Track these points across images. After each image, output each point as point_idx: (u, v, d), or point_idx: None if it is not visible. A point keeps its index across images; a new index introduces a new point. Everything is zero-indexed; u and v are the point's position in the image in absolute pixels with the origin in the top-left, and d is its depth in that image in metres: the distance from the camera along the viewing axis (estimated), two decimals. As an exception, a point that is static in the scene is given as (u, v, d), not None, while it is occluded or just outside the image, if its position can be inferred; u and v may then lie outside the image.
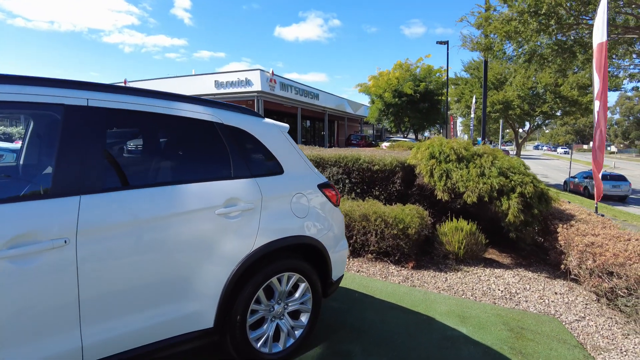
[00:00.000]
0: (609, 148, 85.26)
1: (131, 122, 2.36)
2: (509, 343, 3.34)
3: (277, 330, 2.84)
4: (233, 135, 2.65)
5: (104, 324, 2.03)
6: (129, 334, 2.13)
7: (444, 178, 5.62)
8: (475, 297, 4.36)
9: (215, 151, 2.58)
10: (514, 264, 5.62)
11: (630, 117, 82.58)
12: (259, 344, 2.71)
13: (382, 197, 6.28)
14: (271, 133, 2.90)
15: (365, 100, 40.70)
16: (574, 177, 22.71)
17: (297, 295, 2.90)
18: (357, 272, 4.94)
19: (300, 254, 2.99)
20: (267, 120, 2.98)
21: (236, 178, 2.57)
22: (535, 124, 28.81)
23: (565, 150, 71.87)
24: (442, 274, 5.02)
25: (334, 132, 40.73)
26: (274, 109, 26.54)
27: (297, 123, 27.62)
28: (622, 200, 20.91)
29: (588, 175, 21.39)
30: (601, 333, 3.63)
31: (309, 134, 35.65)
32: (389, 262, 5.22)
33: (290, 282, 2.82)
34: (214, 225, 2.39)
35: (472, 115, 27.28)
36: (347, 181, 6.38)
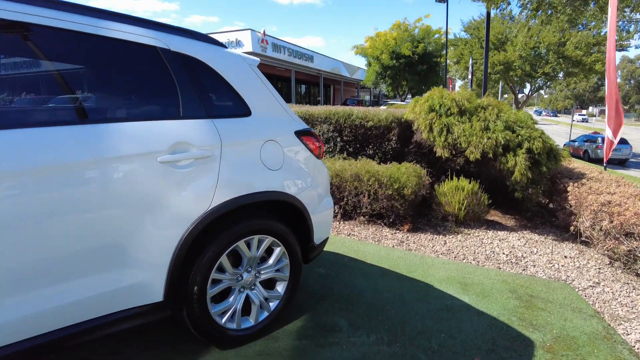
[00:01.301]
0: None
1: (39, 41, 1.80)
2: (517, 313, 2.93)
3: (248, 302, 2.40)
4: (184, 65, 2.10)
5: (9, 299, 1.57)
6: (47, 312, 1.67)
7: (445, 133, 5.10)
8: (478, 261, 3.94)
9: (158, 84, 2.04)
10: (518, 226, 5.20)
11: (631, 81, 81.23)
12: (223, 319, 2.27)
13: (377, 156, 5.78)
14: (236, 66, 2.35)
15: (362, 63, 39.34)
16: (573, 141, 22.19)
17: (270, 261, 2.44)
18: (348, 235, 4.50)
19: (275, 214, 2.51)
20: (230, 50, 2.42)
21: (187, 118, 2.05)
22: (536, 86, 27.99)
23: (584, 117, 64.68)
24: (441, 236, 4.59)
25: (329, 97, 39.72)
26: (266, 71, 25.53)
27: (290, 87, 26.71)
28: (622, 163, 20.50)
29: (589, 139, 20.87)
30: (619, 300, 3.23)
31: (304, 99, 34.68)
32: (382, 224, 4.78)
33: (262, 246, 2.35)
34: (156, 177, 1.89)
35: (470, 77, 26.40)
36: (338, 139, 5.86)
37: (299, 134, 2.52)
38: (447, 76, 30.93)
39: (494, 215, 5.53)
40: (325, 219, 2.76)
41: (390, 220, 4.72)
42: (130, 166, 1.82)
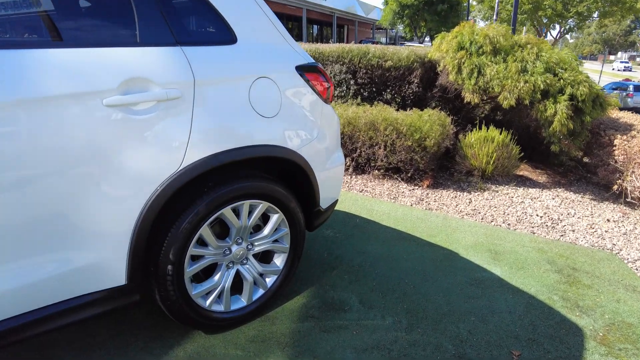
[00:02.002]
0: (638, 59, 79.66)
1: None
2: (559, 291, 2.48)
3: (240, 278, 1.98)
4: (142, -32, 1.52)
5: None
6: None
7: (475, 75, 4.43)
8: (509, 224, 3.46)
9: (104, -5, 1.48)
10: (551, 182, 4.66)
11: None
12: (208, 301, 1.86)
13: (395, 101, 5.15)
14: (217, -26, 1.75)
15: (378, 1, 36.98)
16: (602, 89, 20.83)
17: (266, 231, 1.98)
18: (361, 191, 4.02)
19: (271, 173, 2.02)
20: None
21: (146, 45, 1.50)
22: (566, 28, 25.99)
23: (627, 66, 57.21)
24: (465, 194, 4.09)
25: (343, 38, 37.81)
26: (276, 10, 24.02)
27: (302, 27, 25.24)
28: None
29: (619, 86, 19.55)
30: (678, 275, 2.75)
31: (316, 40, 33.00)
32: (399, 179, 4.28)
33: (255, 213, 1.88)
34: (102, 126, 1.39)
35: (495, 18, 24.55)
36: (351, 82, 5.22)
37: (303, 69, 1.96)
38: (469, 17, 28.95)
39: (523, 170, 4.98)
40: (334, 179, 2.27)
41: (409, 175, 4.21)
42: (64, 111, 1.31)
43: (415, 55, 5.13)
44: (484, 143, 4.40)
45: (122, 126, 1.42)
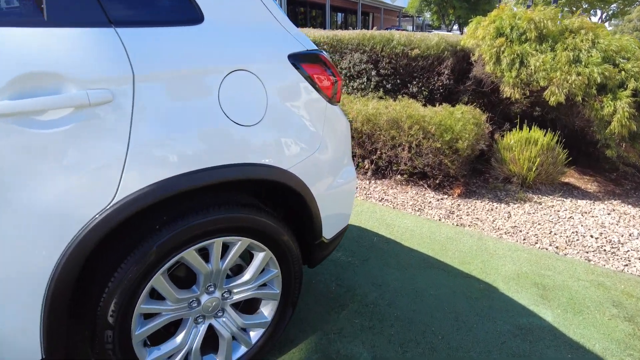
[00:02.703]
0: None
1: None
2: (635, 350, 1.92)
3: (214, 334, 1.51)
4: None
5: None
6: None
7: (517, 66, 3.81)
8: (557, 247, 2.88)
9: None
10: (603, 192, 4.01)
11: None
12: (167, 370, 1.40)
13: (422, 95, 4.58)
14: None
15: (405, -12, 35.86)
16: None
17: (248, 275, 1.50)
18: (380, 200, 3.50)
19: (257, 195, 1.53)
20: None
21: (57, 25, 1.02)
22: (608, 13, 24.36)
23: None
24: (503, 205, 3.51)
25: (368, 26, 36.76)
26: (300, -4, 23.42)
27: (325, 15, 24.51)
28: None
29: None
30: None
31: (340, 29, 32.19)
32: (425, 186, 3.73)
33: (231, 253, 1.41)
34: (-20, 144, 0.93)
35: (530, 3, 23.19)
36: (373, 73, 4.66)
37: (299, 59, 1.45)
38: (502, 1, 27.58)
39: (569, 176, 4.34)
40: (343, 200, 1.76)
41: (437, 181, 3.66)
42: None
43: (446, 42, 4.52)
44: (525, 146, 3.79)
45: (18, 145, 0.95)
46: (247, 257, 1.54)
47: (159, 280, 1.27)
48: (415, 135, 3.59)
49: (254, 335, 1.61)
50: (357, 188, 2.33)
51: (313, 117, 1.53)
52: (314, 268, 2.15)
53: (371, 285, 2.26)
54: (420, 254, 2.65)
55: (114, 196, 1.08)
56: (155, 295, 1.31)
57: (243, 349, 1.59)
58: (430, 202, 3.48)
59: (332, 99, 1.59)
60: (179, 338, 1.41)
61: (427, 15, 29.97)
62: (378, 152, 3.81)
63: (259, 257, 1.49)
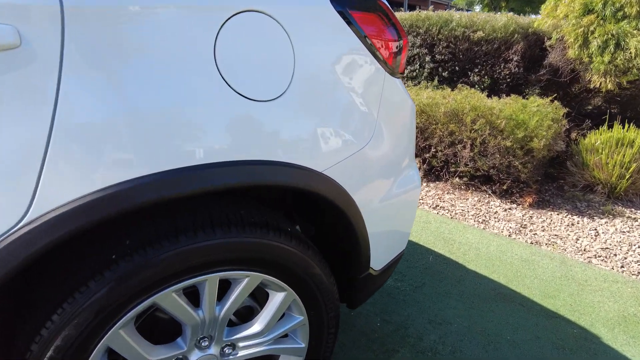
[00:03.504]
0: None
1: None
2: None
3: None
4: None
5: None
6: None
7: (611, 49, 3.12)
8: (670, 280, 2.22)
9: None
10: None
11: None
12: None
13: (483, 85, 3.95)
14: None
15: (456, -21, 34.35)
16: None
17: (259, 323, 1.02)
18: (434, 208, 2.94)
19: (271, 208, 1.06)
20: None
21: None
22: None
23: None
24: (586, 220, 2.85)
25: (415, 19, 35.48)
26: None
27: (372, 6, 23.69)
28: None
29: None
30: None
31: (387, 21, 31.14)
32: (489, 192, 3.13)
33: (235, 295, 0.94)
34: None
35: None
36: (427, 59, 4.07)
37: (347, 4, 0.94)
38: (563, -7, 25.65)
39: (666, 186, 3.57)
40: (400, 218, 1.25)
41: (504, 187, 3.05)
42: None
43: (516, 24, 3.86)
44: (615, 148, 3.10)
45: None
46: (261, 292, 1.07)
47: (119, 338, 0.82)
48: (480, 131, 2.99)
49: (269, 402, 1.14)
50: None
51: (364, 93, 1.02)
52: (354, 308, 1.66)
53: (428, 323, 1.74)
54: (489, 281, 2.09)
55: (26, 212, 0.64)
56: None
57: (252, 423, 1.12)
58: (496, 212, 2.88)
59: (394, 69, 1.08)
60: (153, 414, 0.96)
61: (478, 8, 28.48)
62: (432, 150, 3.25)
63: (276, 300, 1.01)
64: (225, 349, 1.01)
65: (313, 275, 1.02)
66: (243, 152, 0.79)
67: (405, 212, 1.26)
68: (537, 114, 2.98)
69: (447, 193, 3.12)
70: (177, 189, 0.73)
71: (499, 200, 3.03)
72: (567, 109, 3.72)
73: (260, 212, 0.97)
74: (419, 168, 3.32)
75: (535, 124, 2.90)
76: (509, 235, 2.60)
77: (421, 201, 3.01)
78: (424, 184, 3.27)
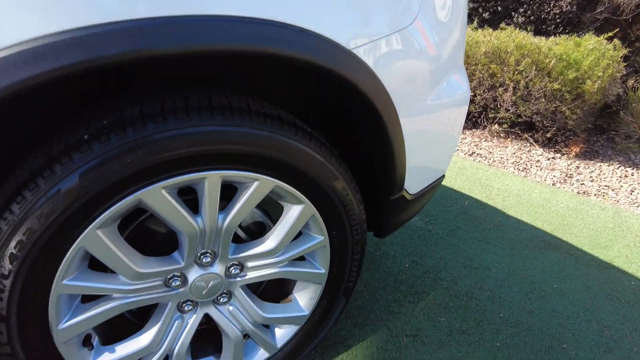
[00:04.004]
0: None
1: None
2: None
3: (218, 331, 0.92)
4: None
5: None
6: None
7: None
8: None
9: None
10: None
11: None
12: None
13: (529, 27, 3.56)
14: None
15: None
16: None
17: (272, 240, 0.86)
18: (470, 155, 2.70)
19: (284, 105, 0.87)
20: None
21: None
22: None
23: None
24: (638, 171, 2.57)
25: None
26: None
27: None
28: None
29: None
30: None
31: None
32: (531, 141, 2.85)
33: (241, 201, 0.77)
34: None
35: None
36: (467, -2, 3.69)
37: None
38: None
39: None
40: (444, 132, 1.05)
41: (547, 135, 2.77)
42: None
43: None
44: (681, 92, 2.74)
45: None
46: (276, 209, 0.91)
47: (97, 240, 0.67)
48: (525, 72, 2.69)
49: (282, 334, 1.00)
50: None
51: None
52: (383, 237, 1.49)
53: (463, 267, 1.56)
54: (532, 228, 1.87)
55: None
56: (99, 265, 0.72)
57: (262, 355, 0.99)
58: (538, 161, 2.62)
59: None
60: (148, 335, 0.82)
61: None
62: (471, 93, 2.95)
63: (292, 213, 0.85)
64: (232, 269, 0.85)
65: (336, 187, 0.84)
66: (247, 6, 0.60)
67: (450, 126, 1.05)
68: (593, 52, 2.64)
69: (485, 141, 2.86)
70: (152, 43, 0.55)
71: (541, 149, 2.76)
72: (627, 50, 3.33)
73: (272, 106, 0.78)
74: (454, 114, 3.05)
75: (590, 64, 2.57)
76: (553, 184, 2.36)
77: (458, 147, 2.77)
78: (462, 131, 3.01)
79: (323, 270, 0.95)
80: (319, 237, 0.90)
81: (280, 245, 0.86)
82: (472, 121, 3.04)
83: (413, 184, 1.02)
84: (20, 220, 0.61)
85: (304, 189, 0.82)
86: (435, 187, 1.15)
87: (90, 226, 0.65)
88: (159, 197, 0.68)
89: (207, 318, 0.92)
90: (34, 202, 0.61)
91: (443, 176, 1.16)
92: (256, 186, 0.76)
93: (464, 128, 3.04)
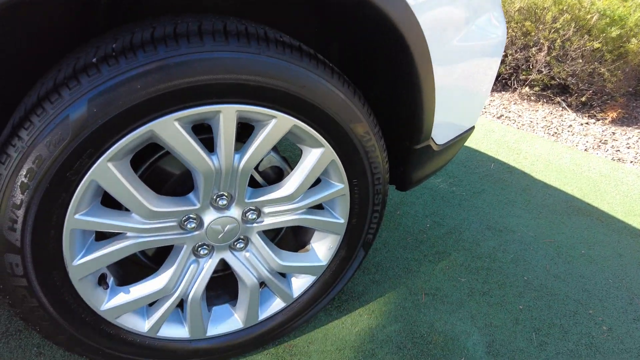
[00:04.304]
0: None
1: None
2: None
3: (233, 279, 0.91)
4: None
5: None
6: None
7: None
8: None
9: None
10: None
11: None
12: (147, 323, 0.84)
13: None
14: None
15: None
16: None
17: (291, 185, 0.82)
18: (498, 117, 2.59)
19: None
20: None
21: None
22: None
23: None
24: (684, 140, 2.41)
25: None
26: None
27: None
28: None
29: None
30: None
31: None
32: (564, 105, 2.71)
33: (259, 139, 0.73)
34: None
35: None
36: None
37: None
38: None
39: None
40: (477, 76, 0.97)
41: (582, 98, 2.61)
42: None
43: None
44: None
45: None
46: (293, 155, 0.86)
47: (108, 174, 0.64)
48: (563, 30, 2.51)
49: (299, 285, 0.98)
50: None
51: None
52: (403, 192, 1.44)
53: (486, 229, 1.51)
54: (561, 192, 1.79)
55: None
56: (113, 202, 0.70)
57: (278, 304, 0.98)
58: (570, 125, 2.49)
59: None
60: (163, 278, 0.81)
61: None
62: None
63: (311, 157, 0.80)
64: (248, 213, 0.83)
65: (359, 131, 0.79)
66: None
67: (483, 72, 0.97)
68: (640, 8, 2.45)
69: (514, 104, 2.73)
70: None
71: (574, 114, 2.61)
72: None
73: (292, 38, 0.73)
74: (483, 76, 2.90)
75: (637, 20, 2.39)
76: (586, 150, 2.24)
77: (484, 109, 2.65)
78: (490, 94, 2.87)
79: (342, 220, 0.92)
80: (339, 185, 0.86)
81: (298, 191, 0.82)
82: (502, 83, 2.90)
83: (441, 133, 0.96)
84: (29, 147, 0.58)
85: (324, 131, 0.77)
86: (464, 139, 1.09)
87: (102, 158, 0.63)
88: (172, 130, 0.65)
89: (223, 265, 0.90)
90: (42, 128, 0.58)
91: (472, 128, 1.09)
92: (274, 124, 0.72)
93: (493, 91, 2.90)
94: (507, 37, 2.73)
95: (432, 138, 0.94)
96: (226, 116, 0.67)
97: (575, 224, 1.58)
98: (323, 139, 0.78)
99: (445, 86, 0.87)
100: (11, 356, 0.96)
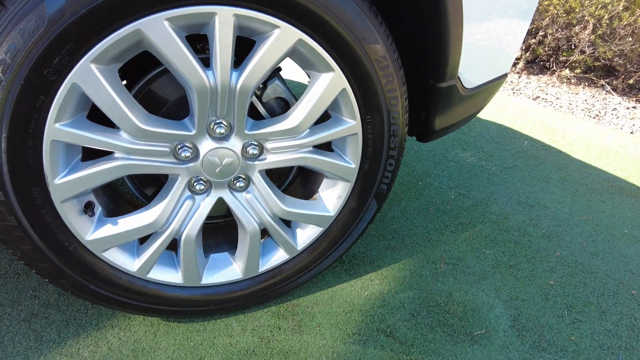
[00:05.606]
0: None
1: None
2: None
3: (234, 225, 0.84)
4: None
5: None
6: None
7: None
8: None
9: None
10: None
11: None
12: (136, 261, 0.78)
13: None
14: None
15: None
16: None
17: (296, 116, 0.75)
18: (534, 99, 2.42)
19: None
20: None
21: None
22: None
23: None
24: None
25: None
26: None
27: None
28: None
29: None
30: None
31: None
32: (608, 88, 2.51)
33: (260, 53, 0.65)
34: None
35: None
36: None
37: None
38: None
39: None
40: (510, 17, 0.86)
41: (630, 81, 2.42)
42: None
43: None
44: None
45: None
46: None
47: (90, 76, 0.58)
48: (612, 5, 2.33)
49: (304, 237, 0.90)
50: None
51: None
52: (428, 147, 1.33)
53: (516, 203, 1.38)
54: (602, 172, 1.64)
55: None
56: (100, 116, 0.64)
57: (281, 256, 0.90)
58: (615, 109, 2.30)
59: None
60: (154, 211, 0.75)
61: None
62: (540, 34, 2.63)
63: (319, 83, 0.72)
64: (249, 148, 0.75)
65: (374, 54, 0.71)
66: None
67: (516, 14, 0.86)
68: (700, -18, 2.23)
69: (552, 86, 2.56)
70: None
71: (619, 98, 2.42)
72: None
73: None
74: (520, 58, 2.74)
75: (695, -5, 2.18)
76: (632, 133, 2.06)
77: (518, 91, 2.49)
78: (524, 76, 2.70)
79: (353, 165, 0.83)
80: (350, 122, 0.78)
81: (304, 124, 0.74)
82: (540, 65, 2.72)
83: (469, 74, 0.85)
84: (0, 34, 0.53)
85: (334, 50, 0.69)
86: (495, 88, 0.98)
87: (84, 58, 0.57)
88: (162, 31, 0.58)
89: (223, 213, 0.84)
90: (15, 12, 0.52)
91: (505, 76, 0.98)
92: (276, 36, 0.64)
93: (530, 73, 2.73)
94: (548, 15, 2.56)
95: (459, 77, 0.84)
96: (222, 20, 0.60)
97: (617, 204, 1.44)
98: (332, 61, 0.69)
99: (475, 16, 0.77)
100: (7, 297, 0.93)
